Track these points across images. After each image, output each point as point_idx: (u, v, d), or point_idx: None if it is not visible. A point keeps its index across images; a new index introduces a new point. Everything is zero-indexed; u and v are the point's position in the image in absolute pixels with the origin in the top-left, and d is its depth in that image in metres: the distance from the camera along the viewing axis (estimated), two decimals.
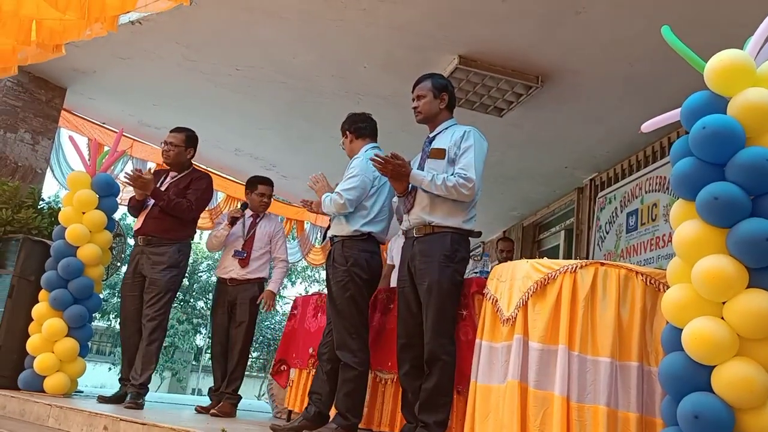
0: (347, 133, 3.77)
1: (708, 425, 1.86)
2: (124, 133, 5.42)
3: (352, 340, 3.38)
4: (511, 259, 5.05)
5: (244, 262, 4.72)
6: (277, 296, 4.93)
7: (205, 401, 4.92)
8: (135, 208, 4.47)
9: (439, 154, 3.17)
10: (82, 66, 5.63)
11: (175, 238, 4.39)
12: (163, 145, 4.53)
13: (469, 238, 3.19)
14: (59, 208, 4.86)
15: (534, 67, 4.68)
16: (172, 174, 4.54)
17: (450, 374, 2.98)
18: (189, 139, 4.54)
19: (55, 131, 6.10)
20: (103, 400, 4.24)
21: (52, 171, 6.32)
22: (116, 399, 4.25)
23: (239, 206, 4.89)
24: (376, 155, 3.20)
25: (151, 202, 4.38)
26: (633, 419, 2.34)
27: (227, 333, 4.74)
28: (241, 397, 4.74)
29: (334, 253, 3.56)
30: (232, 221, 4.75)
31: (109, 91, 6.20)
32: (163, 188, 4.40)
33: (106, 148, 5.47)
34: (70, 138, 5.44)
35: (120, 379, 4.42)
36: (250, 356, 5.04)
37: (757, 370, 1.87)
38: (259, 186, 4.89)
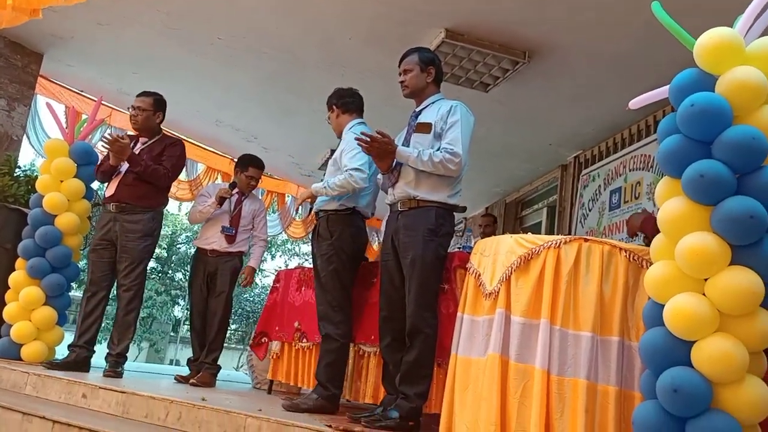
0: (333, 107, 3.76)
1: (686, 399, 1.89)
2: (102, 102, 5.31)
3: (334, 313, 3.44)
4: (492, 235, 5.08)
5: (231, 239, 4.72)
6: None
7: (184, 371, 4.91)
8: (106, 173, 4.34)
9: (425, 128, 3.16)
10: (60, 31, 5.49)
11: (149, 205, 4.33)
12: (130, 109, 4.43)
13: (454, 213, 3.19)
14: (36, 176, 4.77)
15: (521, 42, 4.64)
16: (142, 140, 4.44)
17: (431, 347, 2.99)
18: (157, 102, 4.45)
19: (32, 98, 5.96)
20: (51, 366, 4.05)
21: (29, 138, 6.19)
22: (64, 365, 4.11)
23: (228, 186, 4.83)
24: (362, 133, 3.18)
25: (124, 168, 4.28)
26: (612, 392, 2.37)
27: (206, 303, 4.73)
28: (220, 367, 4.75)
29: (319, 228, 3.59)
30: (221, 201, 4.70)
31: (88, 58, 6.06)
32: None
33: (84, 116, 5.36)
34: (48, 105, 5.33)
35: (70, 345, 4.32)
36: (228, 328, 5.04)
37: (736, 346, 1.89)
38: (249, 168, 4.87)
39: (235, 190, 4.85)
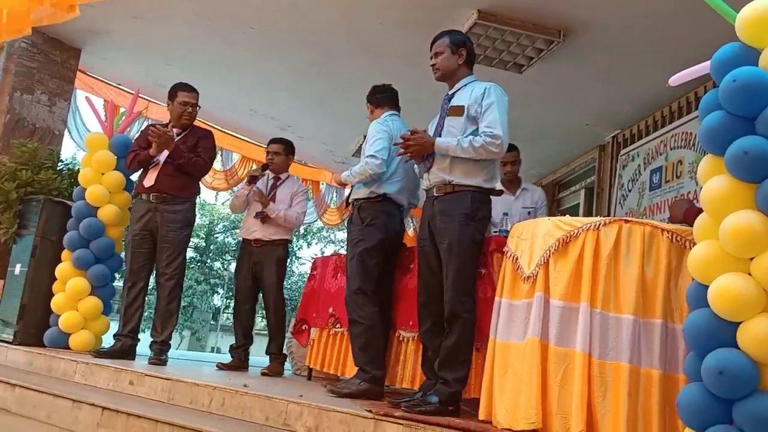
0: (368, 104, 3.93)
1: (732, 381, 1.85)
2: (139, 95, 5.40)
3: (356, 296, 3.52)
4: (514, 174, 4.90)
5: (266, 219, 4.74)
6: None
7: (226, 359, 5.01)
8: (143, 163, 4.42)
9: (458, 111, 3.15)
10: (96, 26, 5.58)
11: (187, 195, 4.46)
12: (186, 107, 4.48)
13: (491, 197, 3.17)
14: (78, 169, 4.89)
15: (556, 20, 4.55)
16: (176, 131, 4.51)
17: (470, 332, 2.99)
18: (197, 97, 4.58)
19: (71, 92, 6.08)
20: (99, 354, 4.15)
21: (69, 132, 6.33)
22: (111, 354, 4.19)
23: (261, 168, 4.91)
24: (402, 136, 3.21)
25: (162, 159, 4.35)
26: (656, 376, 2.34)
27: (250, 293, 4.82)
28: (286, 357, 4.89)
29: (352, 215, 3.70)
30: (251, 180, 4.79)
31: (124, 52, 6.16)
32: None
33: (122, 109, 5.46)
34: (87, 99, 5.44)
35: (115, 334, 4.43)
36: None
37: None
38: (269, 145, 4.98)
39: (270, 173, 4.92)
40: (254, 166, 8.35)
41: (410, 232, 10.49)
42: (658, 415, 2.30)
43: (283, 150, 4.95)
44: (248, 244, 4.83)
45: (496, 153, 3.03)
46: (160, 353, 4.26)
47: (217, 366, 4.76)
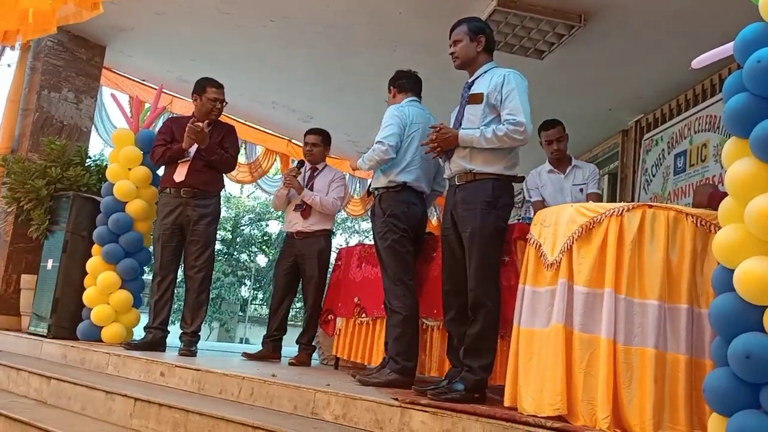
0: (391, 88, 3.92)
1: (760, 364, 1.83)
2: (163, 90, 5.47)
3: (395, 287, 3.51)
4: (562, 151, 4.62)
5: (306, 213, 4.78)
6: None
7: (257, 349, 5.06)
8: (174, 158, 4.45)
9: (477, 99, 3.13)
10: (120, 23, 5.66)
11: (215, 190, 4.55)
12: (215, 103, 4.52)
13: (513, 184, 3.16)
14: (106, 165, 4.98)
15: (576, 5, 4.51)
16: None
17: (494, 319, 3.00)
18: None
19: (97, 89, 6.18)
20: (130, 346, 4.26)
21: (96, 129, 6.44)
22: (142, 345, 4.31)
23: (296, 165, 4.93)
24: (428, 136, 3.22)
25: (191, 154, 4.40)
26: (682, 361, 2.33)
27: (289, 285, 4.87)
28: (315, 348, 4.94)
29: (374, 206, 3.73)
30: (290, 181, 4.79)
31: (148, 48, 6.23)
32: None
33: (147, 105, 5.54)
34: (112, 96, 5.52)
35: (146, 327, 4.51)
36: (293, 306, 5.18)
37: None
38: (306, 136, 5.00)
39: (307, 165, 4.96)
40: (278, 160, 8.44)
41: (434, 220, 10.49)
42: (685, 401, 2.29)
43: (321, 141, 4.97)
44: (291, 237, 4.87)
45: (521, 140, 3.01)
46: (190, 344, 4.34)
47: (243, 355, 4.83)
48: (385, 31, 5.27)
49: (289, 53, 5.93)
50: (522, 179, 3.21)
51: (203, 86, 4.53)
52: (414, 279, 3.60)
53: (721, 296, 2.01)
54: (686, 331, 2.35)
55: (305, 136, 5.03)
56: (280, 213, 19.83)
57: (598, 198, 4.37)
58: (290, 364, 4.59)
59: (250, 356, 4.75)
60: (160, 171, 4.84)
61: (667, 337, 2.36)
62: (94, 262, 4.63)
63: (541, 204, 4.40)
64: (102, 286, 4.55)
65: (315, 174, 4.93)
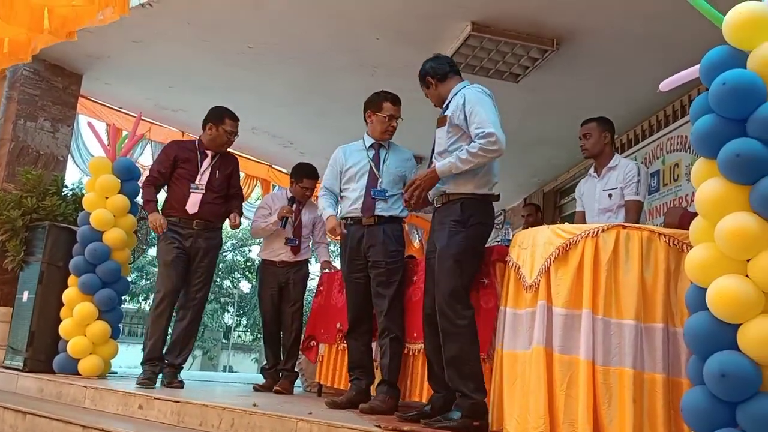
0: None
1: (735, 383, 1.85)
2: (141, 117, 5.45)
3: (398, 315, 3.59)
4: (535, 224, 4.97)
5: (296, 249, 4.84)
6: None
7: (239, 377, 5.01)
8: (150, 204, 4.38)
9: (443, 121, 3.17)
10: (97, 51, 5.65)
11: (221, 221, 4.58)
12: (231, 136, 4.52)
13: (492, 202, 3.12)
14: (83, 194, 4.93)
15: (549, 30, 4.59)
16: (211, 154, 4.49)
17: (470, 339, 2.89)
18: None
19: (74, 118, 6.14)
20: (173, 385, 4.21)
21: (73, 158, 6.39)
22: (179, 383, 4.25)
23: (288, 202, 4.89)
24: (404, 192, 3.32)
25: (203, 186, 4.36)
26: (659, 380, 2.35)
27: (278, 312, 4.86)
28: (298, 374, 4.92)
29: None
30: (283, 221, 4.77)
31: (125, 76, 6.22)
32: (203, 169, 4.42)
33: (124, 133, 5.52)
34: (89, 124, 5.50)
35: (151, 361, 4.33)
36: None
37: None
38: (304, 180, 4.94)
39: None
40: (258, 185, 8.42)
41: (416, 243, 10.51)
42: (664, 420, 2.30)
43: (315, 184, 5.00)
44: (272, 265, 4.85)
45: (495, 150, 2.91)
46: (175, 375, 4.28)
47: (254, 388, 4.81)
48: (363, 56, 5.31)
49: (269, 79, 5.94)
50: (497, 197, 3.13)
51: (221, 117, 4.46)
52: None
53: (695, 315, 2.03)
54: (662, 350, 2.37)
55: (303, 179, 4.92)
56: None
57: (635, 207, 3.71)
58: (275, 392, 4.55)
59: (261, 388, 4.76)
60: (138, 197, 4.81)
61: (644, 356, 2.38)
62: (70, 293, 4.56)
63: (582, 215, 4.04)
64: (79, 317, 4.48)
65: (301, 208, 4.95)
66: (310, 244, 5.05)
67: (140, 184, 4.92)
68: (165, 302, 4.31)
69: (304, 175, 4.95)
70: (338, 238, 3.86)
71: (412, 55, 4.95)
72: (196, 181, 4.38)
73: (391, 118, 3.79)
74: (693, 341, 2.02)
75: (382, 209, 3.68)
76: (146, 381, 4.08)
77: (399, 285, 3.63)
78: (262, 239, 5.12)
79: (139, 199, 4.82)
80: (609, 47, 4.74)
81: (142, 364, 4.28)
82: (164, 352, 4.38)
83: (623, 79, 5.20)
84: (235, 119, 4.52)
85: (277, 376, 4.82)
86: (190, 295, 4.40)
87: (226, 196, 4.53)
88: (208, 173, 4.42)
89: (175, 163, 4.42)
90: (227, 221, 4.54)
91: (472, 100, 3.03)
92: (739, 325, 1.91)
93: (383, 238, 3.64)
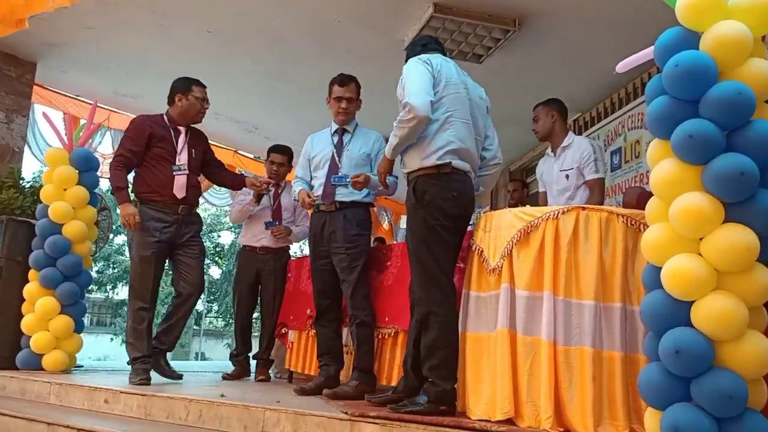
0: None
1: (689, 359, 1.90)
2: (100, 105, 5.33)
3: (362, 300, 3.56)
4: (520, 200, 4.84)
5: (275, 232, 4.77)
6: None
7: (211, 365, 5.00)
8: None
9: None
10: (51, 39, 5.50)
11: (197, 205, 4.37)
12: (204, 102, 4.22)
13: (451, 174, 2.90)
14: (41, 186, 4.81)
15: (510, 11, 4.60)
16: (183, 130, 4.17)
17: (446, 325, 2.79)
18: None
19: (29, 108, 5.98)
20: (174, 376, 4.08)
21: (30, 148, 6.22)
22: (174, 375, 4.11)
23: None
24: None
25: (185, 167, 4.05)
26: (617, 358, 2.40)
27: (253, 300, 4.85)
28: (273, 361, 4.94)
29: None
30: (258, 198, 4.72)
31: (81, 63, 6.06)
32: (180, 147, 4.09)
33: (82, 122, 5.38)
34: (44, 114, 5.34)
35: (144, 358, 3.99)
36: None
37: (735, 303, 1.90)
38: (271, 154, 4.92)
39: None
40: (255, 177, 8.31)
41: (385, 225, 10.53)
42: (623, 397, 2.36)
43: (287, 162, 4.95)
44: (252, 251, 4.80)
45: (410, 118, 2.81)
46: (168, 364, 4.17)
47: (223, 377, 4.75)
48: (327, 41, 5.25)
49: (230, 64, 5.84)
50: (449, 166, 2.88)
51: (188, 85, 4.15)
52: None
53: (651, 293, 2.08)
54: (620, 328, 2.42)
55: (270, 154, 4.92)
56: (232, 225, 19.64)
57: (597, 185, 3.76)
58: (259, 380, 4.61)
59: (230, 376, 4.72)
60: (104, 183, 4.69)
61: (602, 335, 2.42)
62: (31, 288, 4.46)
63: (545, 195, 4.08)
64: (41, 312, 4.39)
65: (280, 192, 4.91)
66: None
67: (99, 173, 4.82)
68: (146, 316, 3.97)
69: (272, 150, 4.94)
70: (309, 208, 3.90)
71: (375, 37, 4.94)
72: (177, 162, 4.04)
73: (340, 100, 3.74)
74: (649, 319, 2.06)
75: (342, 195, 3.65)
76: (144, 381, 3.76)
77: (363, 269, 3.60)
78: (241, 225, 5.07)
79: (100, 190, 4.71)
80: (570, 27, 4.77)
81: (129, 363, 3.98)
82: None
83: (584, 58, 5.24)
84: (202, 86, 4.23)
85: (246, 363, 4.80)
86: (185, 282, 4.05)
87: (203, 173, 4.34)
88: (185, 152, 4.10)
89: (150, 142, 4.02)
90: (244, 189, 4.52)
91: (405, 73, 2.97)
92: (693, 302, 1.96)
93: (344, 223, 3.62)
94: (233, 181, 4.54)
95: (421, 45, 3.23)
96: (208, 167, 4.37)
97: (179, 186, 4.02)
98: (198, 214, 4.32)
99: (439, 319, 2.79)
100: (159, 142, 4.04)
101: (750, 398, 1.89)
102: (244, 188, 4.63)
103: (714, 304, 1.90)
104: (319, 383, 3.55)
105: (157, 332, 4.12)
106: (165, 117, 4.18)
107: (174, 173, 4.03)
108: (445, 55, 3.22)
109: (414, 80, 2.89)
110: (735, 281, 1.92)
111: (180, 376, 4.10)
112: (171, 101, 4.19)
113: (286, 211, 4.87)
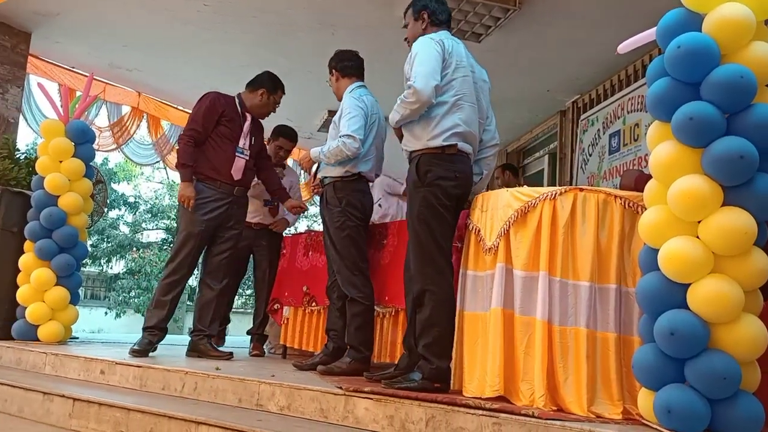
0: (333, 71, 3.77)
1: (684, 340, 1.92)
2: (95, 77, 5.28)
3: (355, 277, 3.48)
4: (504, 185, 5.00)
5: (275, 210, 4.81)
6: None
7: None
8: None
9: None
10: (45, 9, 5.43)
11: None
12: (276, 107, 4.32)
13: (455, 155, 2.91)
14: (36, 158, 4.78)
15: None
16: (249, 117, 4.18)
17: (441, 303, 2.80)
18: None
19: (24, 78, 5.93)
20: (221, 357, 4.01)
21: (26, 119, 6.19)
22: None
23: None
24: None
25: (248, 151, 4.10)
26: (611, 339, 2.41)
27: (240, 270, 4.86)
28: (267, 337, 4.97)
29: (326, 195, 3.63)
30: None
31: (76, 34, 5.99)
32: (246, 131, 4.11)
33: (78, 94, 5.34)
34: (39, 85, 5.31)
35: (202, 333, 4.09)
36: (242, 294, 5.21)
37: (731, 286, 1.91)
38: (280, 138, 4.89)
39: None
40: None
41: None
42: (616, 377, 2.37)
43: (291, 146, 4.97)
44: (248, 226, 4.70)
45: (413, 101, 2.84)
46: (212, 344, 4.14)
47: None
48: (322, 15, 5.21)
49: (227, 38, 5.80)
50: (455, 148, 2.89)
51: (276, 88, 4.24)
52: (369, 268, 3.59)
53: (647, 275, 2.09)
54: (615, 310, 2.43)
55: (278, 138, 4.87)
56: None
57: None
58: (253, 355, 4.64)
59: None
60: (114, 157, 4.67)
61: (597, 316, 2.44)
62: (26, 259, 4.46)
63: None
64: (36, 283, 4.39)
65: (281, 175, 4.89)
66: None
67: (96, 146, 4.78)
68: (174, 289, 4.00)
69: (280, 133, 4.91)
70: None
71: (371, 12, 4.89)
72: (241, 144, 4.08)
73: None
74: (645, 300, 2.08)
75: (324, 172, 3.68)
76: (138, 351, 3.77)
77: (346, 247, 3.51)
78: None
79: (95, 163, 4.68)
80: (571, 7, 4.73)
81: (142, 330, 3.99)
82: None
83: (585, 39, 5.21)
84: (284, 92, 4.31)
85: (223, 335, 4.90)
86: (220, 266, 4.10)
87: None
88: (248, 137, 4.13)
89: (219, 119, 4.05)
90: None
91: (415, 51, 2.94)
92: (689, 284, 1.97)
93: (325, 201, 3.64)
94: (275, 187, 4.44)
95: (447, 13, 3.20)
96: (260, 159, 4.35)
97: (238, 168, 4.05)
98: (247, 197, 4.33)
99: (434, 297, 2.81)
100: (228, 122, 4.07)
101: (743, 380, 1.92)
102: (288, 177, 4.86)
103: (710, 287, 1.91)
104: (315, 360, 3.57)
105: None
106: (237, 100, 4.21)
107: (237, 155, 4.06)
108: (449, 30, 3.20)
109: (423, 61, 2.89)
110: (732, 265, 1.93)
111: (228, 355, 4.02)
112: (252, 89, 4.22)
113: None
